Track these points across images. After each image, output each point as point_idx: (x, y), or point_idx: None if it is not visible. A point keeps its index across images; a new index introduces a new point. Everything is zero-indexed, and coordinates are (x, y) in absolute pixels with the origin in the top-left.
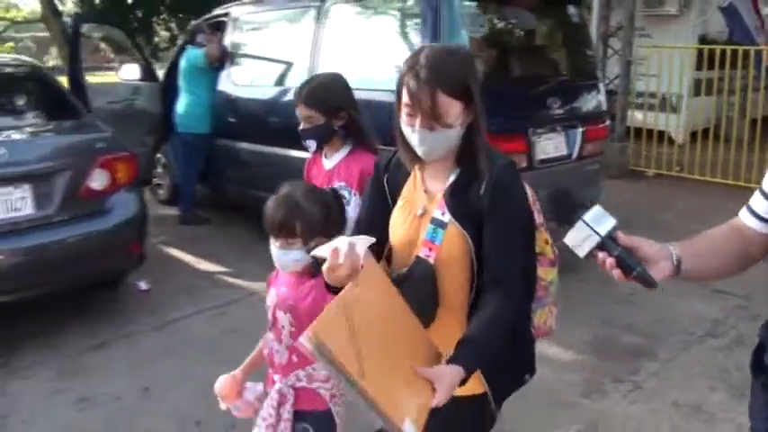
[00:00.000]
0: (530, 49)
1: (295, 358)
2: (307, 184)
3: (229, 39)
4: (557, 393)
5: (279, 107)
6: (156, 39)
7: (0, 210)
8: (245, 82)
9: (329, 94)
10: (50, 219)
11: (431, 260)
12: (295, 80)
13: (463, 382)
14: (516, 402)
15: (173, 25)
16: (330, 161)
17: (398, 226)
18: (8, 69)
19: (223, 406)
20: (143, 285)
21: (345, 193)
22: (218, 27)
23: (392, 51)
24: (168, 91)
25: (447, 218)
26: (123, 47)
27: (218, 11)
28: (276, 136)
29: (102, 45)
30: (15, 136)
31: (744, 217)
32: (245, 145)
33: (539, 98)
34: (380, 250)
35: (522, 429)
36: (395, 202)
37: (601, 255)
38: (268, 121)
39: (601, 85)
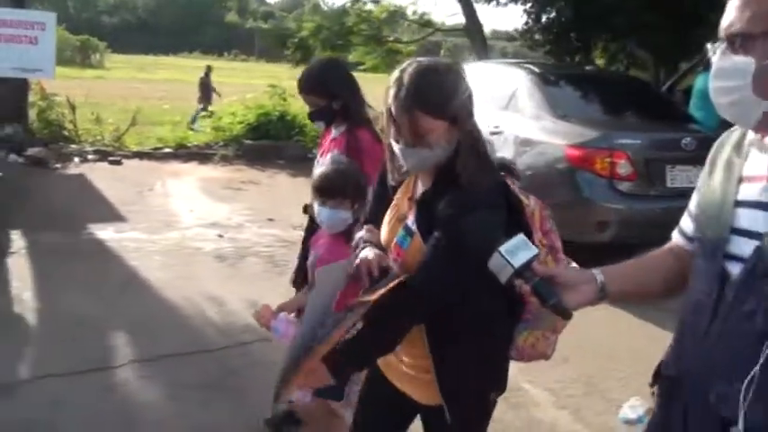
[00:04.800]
0: None
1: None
2: (350, 159)
3: None
4: None
5: None
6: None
7: (680, 180)
8: None
9: (324, 80)
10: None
11: (396, 265)
12: None
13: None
14: None
15: (611, 45)
16: (334, 133)
17: (384, 226)
18: (631, 84)
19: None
20: None
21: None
22: None
23: None
24: None
25: (415, 227)
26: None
27: None
28: None
29: None
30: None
31: (674, 236)
32: None
33: None
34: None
35: None
36: None
37: (517, 282)
38: None
39: None
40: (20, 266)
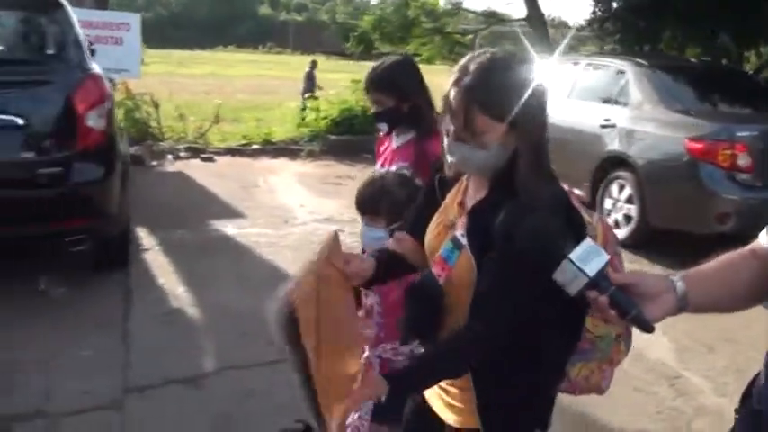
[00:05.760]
0: None
1: (382, 334)
2: (398, 171)
3: None
4: None
5: None
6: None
7: None
8: None
9: (395, 79)
10: None
11: (441, 281)
12: None
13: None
14: None
15: (678, 33)
16: (397, 141)
17: (429, 232)
18: (732, 73)
19: None
20: None
21: (406, 172)
22: None
23: None
24: None
25: (465, 240)
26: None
27: None
28: None
29: None
30: None
31: (762, 237)
32: None
33: None
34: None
35: None
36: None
37: (592, 294)
38: None
39: None
40: (159, 263)
